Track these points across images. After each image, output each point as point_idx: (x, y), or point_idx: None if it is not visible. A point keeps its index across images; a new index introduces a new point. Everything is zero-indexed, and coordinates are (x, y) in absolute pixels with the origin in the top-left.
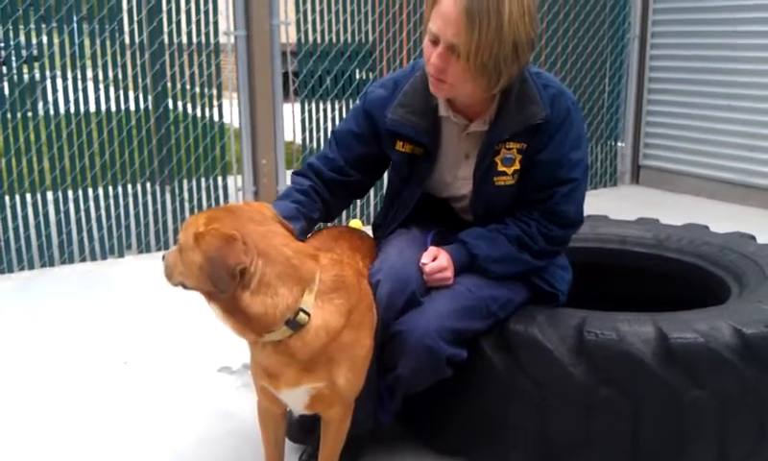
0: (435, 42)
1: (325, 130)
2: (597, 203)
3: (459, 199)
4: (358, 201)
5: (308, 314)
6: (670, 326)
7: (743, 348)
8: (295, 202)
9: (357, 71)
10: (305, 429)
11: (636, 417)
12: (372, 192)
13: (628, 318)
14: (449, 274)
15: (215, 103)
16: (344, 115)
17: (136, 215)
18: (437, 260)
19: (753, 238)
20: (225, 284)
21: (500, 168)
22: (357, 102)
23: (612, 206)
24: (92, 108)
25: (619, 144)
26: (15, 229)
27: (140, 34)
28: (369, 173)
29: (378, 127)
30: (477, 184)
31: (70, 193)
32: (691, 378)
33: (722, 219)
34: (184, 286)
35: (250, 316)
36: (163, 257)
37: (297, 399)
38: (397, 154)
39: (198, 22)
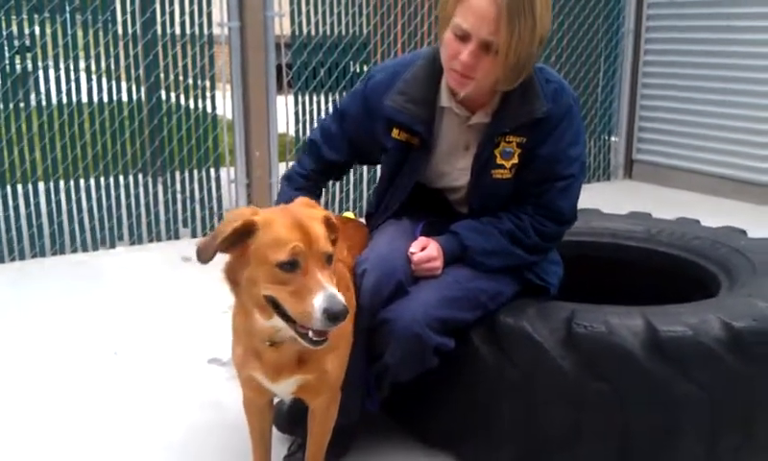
0: (464, 38)
1: (319, 121)
2: (590, 197)
3: (455, 190)
4: (352, 193)
5: None
6: (659, 319)
7: (732, 341)
8: (299, 189)
9: (351, 63)
10: (294, 421)
11: (625, 410)
12: (365, 185)
13: (617, 311)
14: (438, 264)
15: (208, 94)
16: None
17: (128, 206)
18: (426, 250)
19: (743, 233)
20: None
21: (499, 161)
22: (359, 84)
23: (604, 199)
24: (84, 98)
25: (613, 138)
26: (7, 219)
27: (133, 24)
28: (359, 155)
29: (375, 112)
30: (475, 176)
31: (62, 184)
32: (680, 372)
33: (714, 214)
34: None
35: None
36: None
37: (286, 388)
38: (393, 141)
39: (191, 13)
